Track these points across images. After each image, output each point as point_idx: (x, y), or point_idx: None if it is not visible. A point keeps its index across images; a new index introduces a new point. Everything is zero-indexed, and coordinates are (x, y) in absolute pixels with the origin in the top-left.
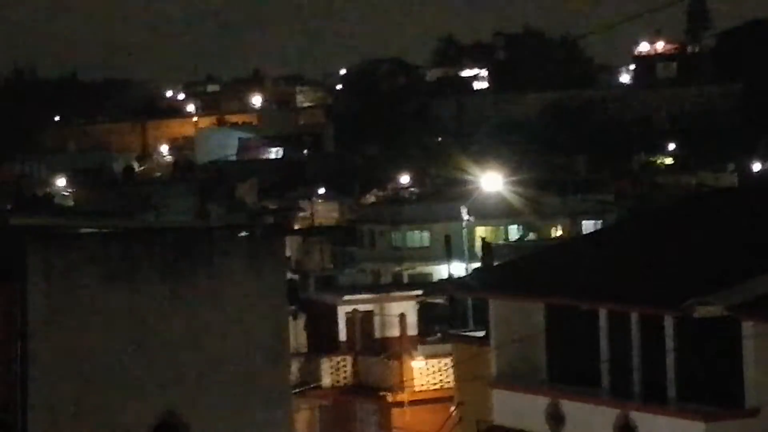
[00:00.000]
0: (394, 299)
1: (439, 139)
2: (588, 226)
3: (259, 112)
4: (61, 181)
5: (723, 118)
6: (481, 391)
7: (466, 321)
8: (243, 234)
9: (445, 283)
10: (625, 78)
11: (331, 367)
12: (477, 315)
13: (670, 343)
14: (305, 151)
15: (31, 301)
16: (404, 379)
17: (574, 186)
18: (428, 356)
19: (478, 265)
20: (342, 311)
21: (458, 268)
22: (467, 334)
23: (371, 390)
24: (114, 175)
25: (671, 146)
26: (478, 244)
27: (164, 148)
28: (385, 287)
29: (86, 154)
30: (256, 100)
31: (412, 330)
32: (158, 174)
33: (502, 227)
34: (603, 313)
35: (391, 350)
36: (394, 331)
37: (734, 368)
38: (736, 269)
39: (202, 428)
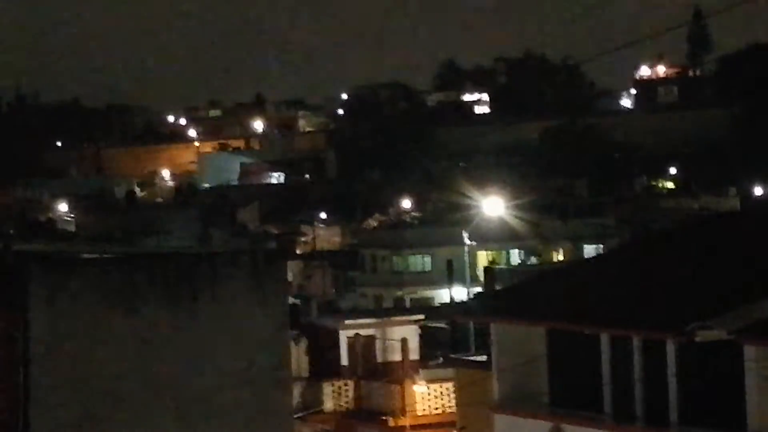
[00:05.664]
0: (396, 324)
1: (441, 163)
2: (589, 250)
3: (261, 136)
4: (63, 206)
5: (725, 142)
6: (483, 416)
7: (468, 345)
8: (244, 258)
9: (447, 307)
10: (626, 102)
11: (333, 392)
12: (479, 339)
13: (672, 367)
14: (307, 176)
15: (34, 326)
16: (406, 403)
17: (576, 210)
18: (430, 381)
19: (479, 289)
20: (344, 336)
21: (460, 293)
22: (469, 358)
23: (373, 415)
24: (116, 200)
25: (673, 170)
26: (480, 268)
27: (166, 173)
28: (386, 312)
29: (88, 180)
30: (258, 125)
31: (414, 354)
32: (160, 199)
33: (503, 251)
34: (605, 338)
35: (393, 375)
36: (396, 356)
37: (736, 392)
38: (738, 293)
39: None
